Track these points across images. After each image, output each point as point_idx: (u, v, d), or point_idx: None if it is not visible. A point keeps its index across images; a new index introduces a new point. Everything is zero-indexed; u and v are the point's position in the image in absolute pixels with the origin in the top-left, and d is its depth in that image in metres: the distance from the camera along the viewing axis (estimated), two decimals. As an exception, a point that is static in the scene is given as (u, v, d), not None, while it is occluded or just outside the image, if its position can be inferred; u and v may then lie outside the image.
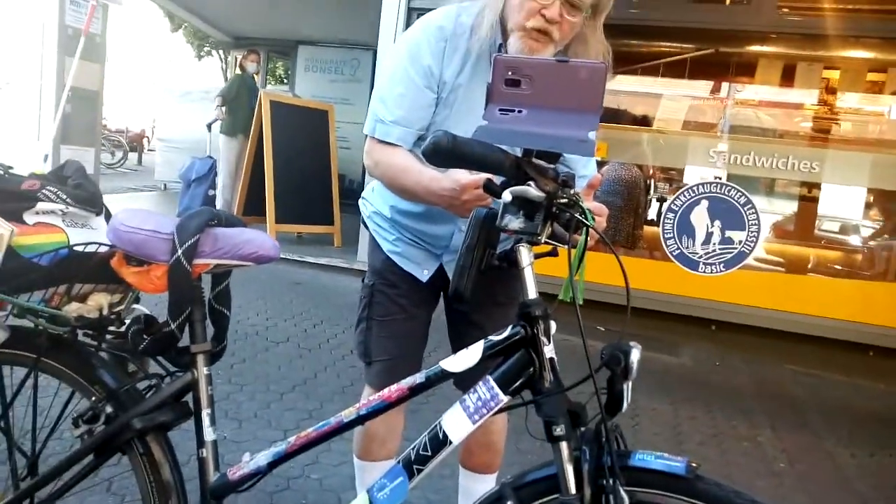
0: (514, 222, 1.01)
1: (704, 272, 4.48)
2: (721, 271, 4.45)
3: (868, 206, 5.20)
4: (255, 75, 7.47)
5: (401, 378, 1.13)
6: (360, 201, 1.71)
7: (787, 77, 5.49)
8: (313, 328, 3.97)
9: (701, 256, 4.49)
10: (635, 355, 1.01)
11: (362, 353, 1.62)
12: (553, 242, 1.09)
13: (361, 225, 1.71)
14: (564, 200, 1.01)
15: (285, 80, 13.38)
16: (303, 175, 6.30)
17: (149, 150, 16.85)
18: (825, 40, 4.76)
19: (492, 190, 1.04)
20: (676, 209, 4.52)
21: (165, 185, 10.16)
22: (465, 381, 1.09)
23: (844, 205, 5.27)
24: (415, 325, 1.61)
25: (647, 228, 5.19)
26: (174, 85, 10.81)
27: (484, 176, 1.13)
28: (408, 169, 1.39)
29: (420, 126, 1.45)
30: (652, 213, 5.45)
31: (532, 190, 0.98)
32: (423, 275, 1.56)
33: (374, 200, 1.64)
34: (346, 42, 10.20)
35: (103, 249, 1.29)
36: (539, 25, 1.30)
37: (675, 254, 4.53)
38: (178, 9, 10.43)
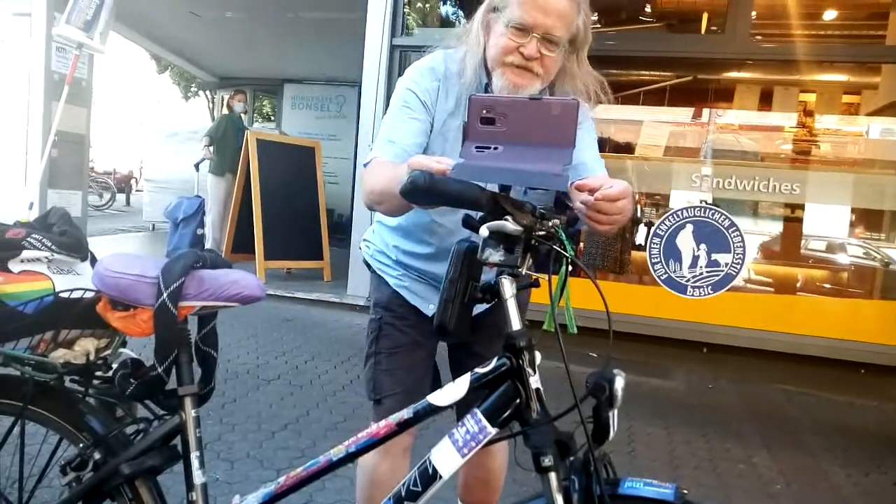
0: (495, 255, 1.03)
1: (693, 295, 4.51)
2: (709, 294, 4.48)
3: (852, 224, 5.27)
4: (242, 114, 7.54)
5: None
6: (362, 244, 1.72)
7: (766, 101, 5.63)
8: (304, 364, 3.94)
9: (688, 280, 4.52)
10: (619, 383, 1.02)
11: (372, 389, 1.58)
12: (536, 274, 1.11)
13: (364, 265, 1.71)
14: (543, 233, 1.04)
15: (272, 118, 13.50)
16: (291, 211, 6.32)
17: (137, 190, 16.85)
18: (799, 65, 4.88)
19: (470, 225, 1.06)
20: (662, 234, 4.57)
21: (154, 225, 10.15)
22: (464, 413, 1.10)
23: (828, 224, 5.34)
24: (423, 354, 1.60)
25: (635, 253, 5.23)
26: (161, 126, 10.87)
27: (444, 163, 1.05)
28: (385, 166, 1.34)
29: (417, 152, 1.41)
30: (640, 239, 5.50)
31: (509, 224, 1.00)
32: (429, 309, 1.55)
33: (376, 241, 1.65)
34: (332, 79, 10.35)
35: (89, 295, 1.30)
36: (518, 62, 1.33)
37: (662, 278, 4.56)
38: (164, 51, 10.54)
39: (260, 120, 13.85)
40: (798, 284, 5.28)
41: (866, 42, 5.54)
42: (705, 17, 5.56)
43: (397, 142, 1.39)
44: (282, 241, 6.16)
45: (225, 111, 7.37)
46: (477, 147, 1.00)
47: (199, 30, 8.63)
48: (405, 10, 5.13)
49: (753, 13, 4.60)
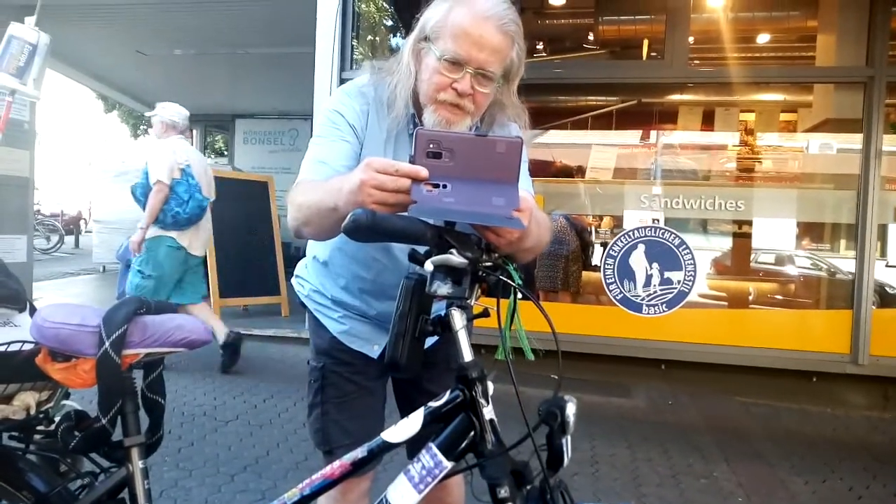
0: (443, 288, 1.03)
1: (648, 314, 4.58)
2: (664, 311, 4.55)
3: (798, 237, 5.44)
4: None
5: None
6: (295, 280, 1.64)
7: (708, 122, 5.82)
8: (263, 403, 3.86)
9: (643, 298, 4.59)
10: (571, 409, 1.03)
11: (321, 441, 1.52)
12: (485, 304, 1.11)
13: (300, 304, 1.62)
14: (489, 263, 1.04)
15: (224, 153, 13.36)
16: (246, 248, 6.25)
17: (86, 231, 16.42)
18: (737, 87, 5.07)
19: (416, 259, 1.06)
20: (615, 254, 4.65)
21: (104, 267, 9.88)
22: (417, 450, 1.08)
23: (775, 238, 5.51)
24: (374, 400, 1.54)
25: (591, 274, 5.30)
26: (110, 165, 10.63)
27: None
28: (317, 183, 1.23)
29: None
30: (596, 260, 5.57)
31: (454, 258, 1.00)
32: (374, 351, 1.50)
33: (311, 279, 1.58)
34: (284, 113, 10.33)
35: (28, 347, 1.25)
36: (451, 99, 1.28)
37: (618, 298, 4.62)
38: (110, 91, 10.37)
39: (212, 156, 13.70)
40: (750, 298, 5.42)
41: (798, 63, 5.80)
42: (646, 43, 5.74)
43: (329, 163, 1.31)
44: (237, 278, 6.07)
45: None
46: (426, 184, 1.00)
47: (147, 68, 8.52)
48: (353, 43, 5.16)
49: (691, 38, 4.77)
